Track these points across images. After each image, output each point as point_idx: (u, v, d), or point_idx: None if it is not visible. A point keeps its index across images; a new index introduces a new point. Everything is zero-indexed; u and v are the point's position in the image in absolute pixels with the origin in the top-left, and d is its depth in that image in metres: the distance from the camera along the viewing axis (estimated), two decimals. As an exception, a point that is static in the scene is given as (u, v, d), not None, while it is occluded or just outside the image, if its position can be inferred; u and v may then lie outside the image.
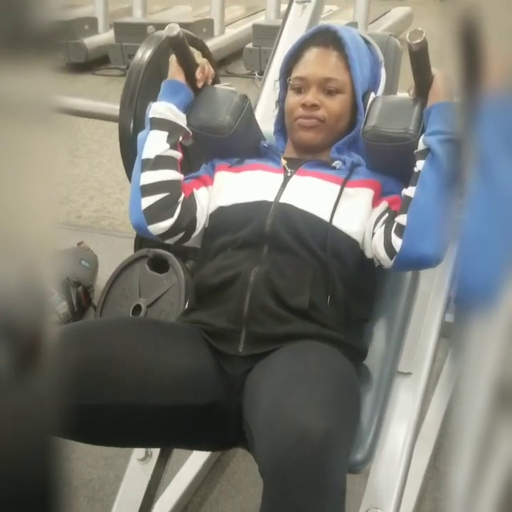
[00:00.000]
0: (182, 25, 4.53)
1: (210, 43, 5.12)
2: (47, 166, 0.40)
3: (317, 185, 1.26)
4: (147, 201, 1.26)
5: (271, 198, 1.25)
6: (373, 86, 1.37)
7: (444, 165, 1.12)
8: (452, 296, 1.40)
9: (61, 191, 3.13)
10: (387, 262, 1.18)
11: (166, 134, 1.28)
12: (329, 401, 0.95)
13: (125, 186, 3.29)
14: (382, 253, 1.18)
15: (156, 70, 1.58)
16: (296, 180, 1.28)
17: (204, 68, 1.35)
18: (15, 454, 0.40)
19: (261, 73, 1.92)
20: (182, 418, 1.10)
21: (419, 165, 1.15)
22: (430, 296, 1.39)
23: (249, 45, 4.93)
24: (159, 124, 1.29)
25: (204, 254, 1.30)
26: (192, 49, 1.34)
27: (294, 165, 1.31)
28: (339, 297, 1.18)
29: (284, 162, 1.32)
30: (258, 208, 1.24)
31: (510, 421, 0.41)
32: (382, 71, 1.39)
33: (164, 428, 1.11)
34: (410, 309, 1.36)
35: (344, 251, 1.21)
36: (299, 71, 1.33)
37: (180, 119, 1.31)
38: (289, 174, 1.29)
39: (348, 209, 1.22)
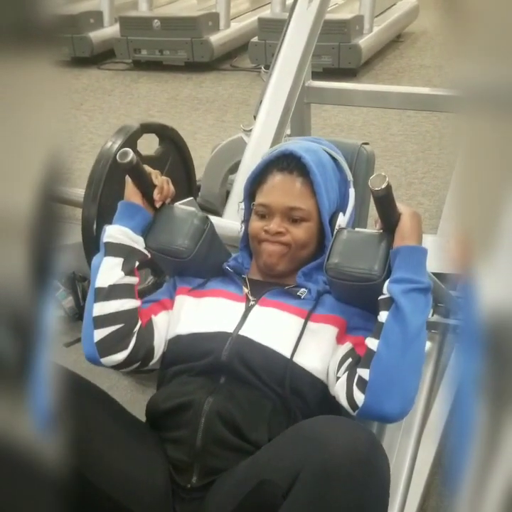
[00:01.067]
0: (187, 19, 4.55)
1: (216, 37, 5.13)
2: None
3: (279, 318, 1.22)
4: (100, 333, 1.20)
5: (230, 329, 1.20)
6: (341, 207, 1.33)
7: (408, 317, 1.06)
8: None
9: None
10: (350, 411, 1.13)
11: (121, 260, 1.23)
12: None
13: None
14: (344, 403, 1.13)
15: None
16: (257, 311, 1.23)
17: (162, 189, 1.29)
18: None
19: (267, 67, 1.92)
20: None
21: (383, 316, 1.09)
22: (400, 433, 1.37)
23: (255, 39, 4.92)
24: (114, 249, 1.24)
25: (160, 377, 1.27)
26: (148, 169, 1.29)
27: (257, 292, 1.27)
28: None
29: (246, 290, 1.28)
30: (215, 339, 1.20)
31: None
32: (351, 191, 1.35)
33: None
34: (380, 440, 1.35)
35: (305, 388, 1.16)
36: (263, 197, 1.29)
37: (137, 242, 1.26)
38: (251, 304, 1.25)
39: (312, 345, 1.18)
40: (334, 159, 1.35)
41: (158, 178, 1.30)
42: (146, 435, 1.18)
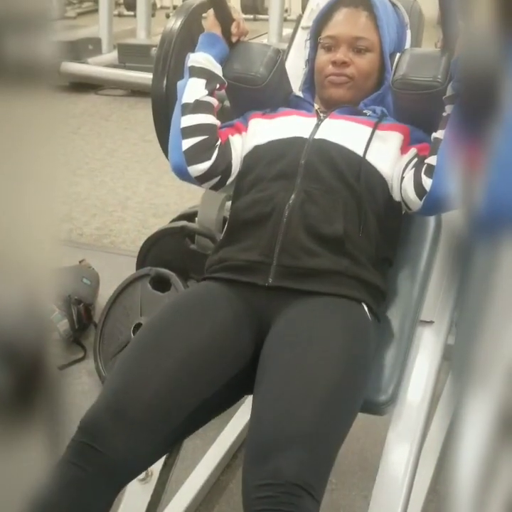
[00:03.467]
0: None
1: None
2: (47, 184, 0.40)
3: (350, 126, 1.31)
4: (187, 143, 1.31)
5: (306, 135, 1.29)
6: (399, 47, 1.42)
7: None
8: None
9: (62, 210, 3.14)
10: (416, 203, 1.21)
11: (203, 81, 1.34)
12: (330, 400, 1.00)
13: (127, 205, 3.30)
14: (411, 195, 1.21)
15: (188, 36, 1.62)
16: (329, 122, 1.33)
17: (239, 24, 1.41)
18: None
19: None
20: (221, 393, 1.11)
21: (448, 109, 1.18)
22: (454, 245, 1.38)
23: (252, 68, 4.98)
24: (198, 72, 1.35)
25: (238, 190, 1.35)
26: (230, 5, 1.40)
27: (326, 111, 1.37)
28: (370, 230, 1.22)
29: (316, 107, 1.39)
30: (293, 143, 1.29)
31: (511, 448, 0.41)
32: (408, 33, 1.45)
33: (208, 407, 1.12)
34: (433, 257, 1.38)
35: (376, 186, 1.25)
36: (330, 30, 1.39)
37: (217, 69, 1.37)
38: (322, 117, 1.34)
39: (380, 149, 1.27)
40: (393, 4, 1.46)
41: (236, 13, 1.43)
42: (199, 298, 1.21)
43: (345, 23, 1.38)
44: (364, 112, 1.36)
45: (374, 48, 1.37)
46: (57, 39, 0.38)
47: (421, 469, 1.35)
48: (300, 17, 1.84)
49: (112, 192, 3.48)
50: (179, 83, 1.38)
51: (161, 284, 1.96)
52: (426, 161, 1.21)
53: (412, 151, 1.28)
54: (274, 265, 1.18)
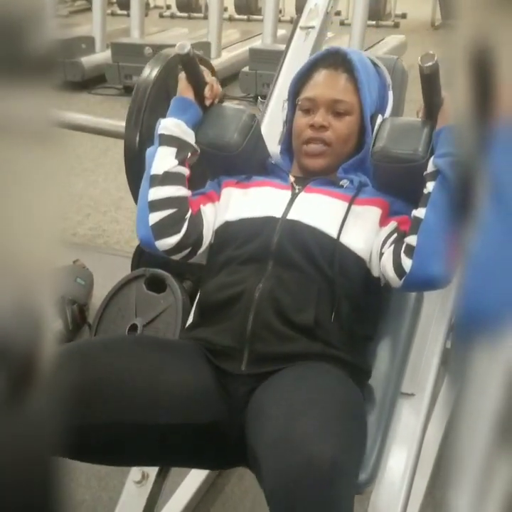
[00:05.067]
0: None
1: (207, 66, 5.19)
2: (47, 185, 0.40)
3: (325, 202, 1.26)
4: (155, 217, 1.26)
5: (278, 215, 1.25)
6: (381, 109, 1.38)
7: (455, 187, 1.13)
8: (454, 322, 1.40)
9: (62, 210, 3.12)
10: (395, 282, 1.18)
11: (174, 150, 1.29)
12: (336, 428, 0.95)
13: (120, 205, 3.29)
14: (391, 273, 1.17)
15: (163, 87, 1.60)
16: (303, 197, 1.28)
17: (213, 86, 1.35)
18: (14, 478, 0.39)
19: (257, 97, 1.94)
20: (182, 437, 1.09)
21: (429, 186, 1.15)
22: (434, 316, 1.39)
23: (246, 69, 4.98)
24: (168, 140, 1.29)
25: (209, 269, 1.30)
26: (201, 67, 1.35)
27: (302, 182, 1.32)
28: (344, 315, 1.18)
29: (291, 179, 1.33)
30: (265, 223, 1.24)
31: (509, 452, 0.41)
32: (390, 94, 1.41)
33: (164, 446, 1.10)
34: (414, 329, 1.36)
35: (351, 268, 1.21)
36: (308, 92, 1.34)
37: (189, 135, 1.32)
38: (296, 191, 1.29)
39: (356, 227, 1.22)
40: (375, 64, 1.42)
41: (209, 76, 1.37)
42: (184, 349, 1.19)
43: (324, 85, 1.33)
44: (341, 183, 1.30)
45: (354, 111, 1.32)
46: (54, 36, 0.38)
47: (417, 472, 1.36)
48: (298, 18, 1.84)
49: (105, 192, 3.47)
50: (148, 151, 1.32)
51: (156, 285, 1.95)
52: (406, 239, 1.16)
53: (392, 224, 1.23)
54: (247, 352, 1.14)
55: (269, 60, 4.51)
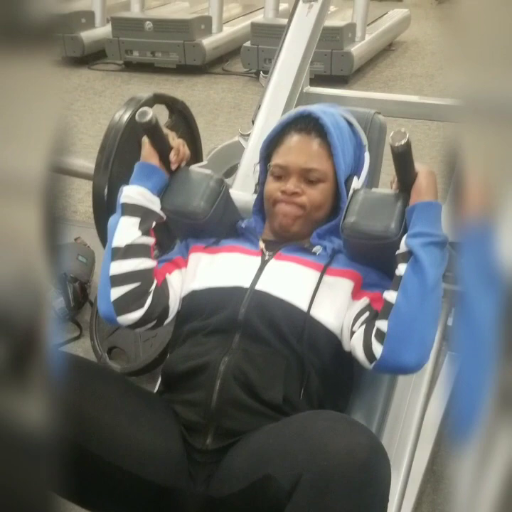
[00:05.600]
0: (179, 22, 4.55)
1: (208, 41, 5.13)
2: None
3: (296, 271, 1.21)
4: (116, 292, 1.20)
5: (246, 284, 1.20)
6: (356, 170, 1.33)
7: (427, 269, 1.07)
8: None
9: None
10: (366, 364, 1.13)
11: (137, 220, 1.23)
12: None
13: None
14: (361, 356, 1.13)
15: (134, 132, 1.54)
16: (273, 264, 1.23)
17: (178, 151, 1.29)
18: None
19: (265, 72, 1.91)
20: (140, 490, 1.07)
21: (401, 268, 1.10)
22: (410, 390, 1.36)
23: (247, 44, 4.92)
24: (131, 209, 1.23)
25: (174, 338, 1.26)
26: (166, 131, 1.29)
27: (273, 248, 1.26)
28: (313, 390, 1.15)
29: (262, 245, 1.28)
30: (232, 293, 1.19)
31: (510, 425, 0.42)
32: (366, 155, 1.34)
33: (119, 493, 1.08)
34: (389, 402, 1.33)
35: (321, 343, 1.16)
36: (280, 158, 1.28)
37: (154, 203, 1.26)
38: (266, 258, 1.24)
39: (327, 299, 1.18)
40: (350, 124, 1.35)
41: (174, 139, 1.30)
42: (158, 403, 1.17)
43: (296, 152, 1.26)
44: (313, 250, 1.24)
45: (327, 178, 1.26)
46: (54, 10, 0.37)
47: (418, 448, 1.37)
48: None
49: (106, 169, 3.45)
50: (111, 221, 1.25)
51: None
52: (377, 323, 1.11)
53: (364, 301, 1.17)
54: (213, 428, 1.10)
55: (272, 35, 4.45)
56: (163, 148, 1.27)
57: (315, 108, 1.32)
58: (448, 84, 4.67)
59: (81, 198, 3.13)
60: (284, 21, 1.90)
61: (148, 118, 1.20)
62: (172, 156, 1.28)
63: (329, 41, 4.54)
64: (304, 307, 1.16)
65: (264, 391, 1.10)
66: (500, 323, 0.41)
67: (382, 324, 1.10)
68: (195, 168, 1.35)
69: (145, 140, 1.28)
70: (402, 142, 1.07)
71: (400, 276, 1.10)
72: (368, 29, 5.10)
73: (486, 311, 0.42)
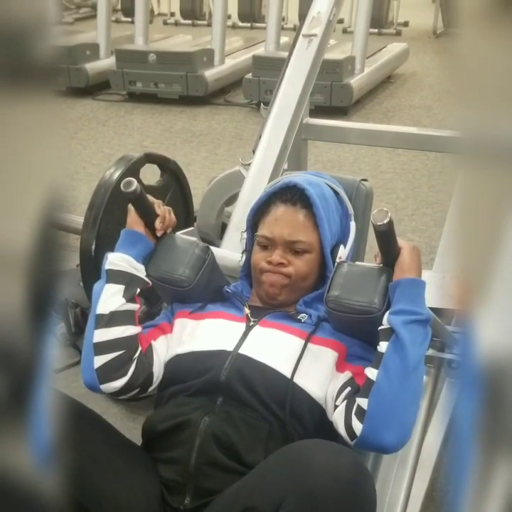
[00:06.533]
0: (182, 54, 4.61)
1: (210, 72, 5.22)
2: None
3: (280, 338, 1.22)
4: (100, 360, 1.20)
5: (230, 348, 1.21)
6: (342, 239, 1.36)
7: (408, 348, 1.07)
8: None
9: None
10: (347, 440, 1.12)
11: (122, 287, 1.24)
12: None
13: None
14: (342, 432, 1.13)
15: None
16: (258, 330, 1.24)
17: (164, 218, 1.31)
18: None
19: (265, 103, 1.96)
20: None
21: (383, 346, 1.10)
22: (397, 460, 1.35)
23: (249, 75, 5.01)
24: (115, 276, 1.25)
25: (157, 399, 1.27)
26: (151, 199, 1.31)
27: (258, 314, 1.28)
28: None
29: (247, 311, 1.29)
30: (215, 357, 1.20)
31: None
32: (352, 224, 1.37)
33: None
34: (376, 473, 1.32)
35: (304, 410, 1.16)
36: (265, 229, 1.30)
37: (138, 270, 1.27)
38: (251, 324, 1.26)
39: (311, 367, 1.18)
40: (336, 193, 1.37)
41: (160, 207, 1.32)
42: (140, 458, 1.18)
43: (281, 224, 1.28)
44: (299, 317, 1.26)
45: (313, 249, 1.29)
46: (57, 44, 0.38)
47: (417, 474, 1.37)
48: (301, 26, 1.87)
49: (108, 197, 3.49)
50: (95, 287, 1.26)
51: (155, 291, 1.96)
52: (357, 400, 1.10)
53: (347, 374, 1.17)
54: (191, 487, 1.10)
55: (272, 67, 4.53)
56: (148, 215, 1.30)
57: (300, 179, 1.34)
58: (446, 116, 4.75)
59: (83, 225, 3.16)
60: (285, 54, 1.96)
61: (132, 188, 1.23)
62: (157, 223, 1.30)
63: (329, 73, 4.62)
64: (288, 374, 1.16)
65: (245, 453, 1.10)
66: (478, 414, 0.42)
67: (362, 402, 1.09)
68: (180, 235, 1.37)
69: (131, 208, 1.30)
70: (385, 221, 1.08)
71: (382, 354, 1.10)
72: (367, 62, 5.20)
73: (466, 410, 0.44)
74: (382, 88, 5.55)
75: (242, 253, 1.41)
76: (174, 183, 1.84)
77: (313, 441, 1.01)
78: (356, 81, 4.88)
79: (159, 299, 1.46)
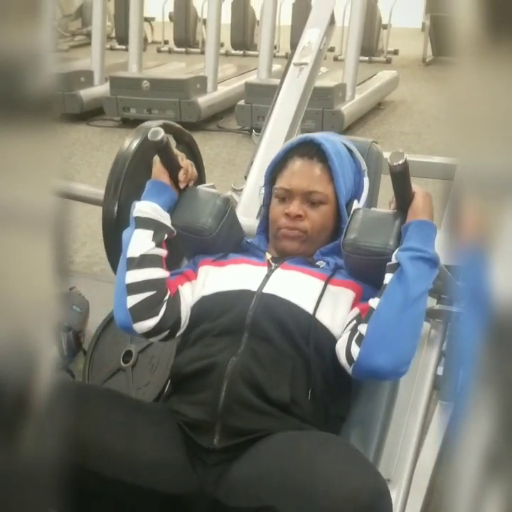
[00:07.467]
0: (176, 81, 4.62)
1: (203, 99, 5.29)
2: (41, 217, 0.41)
3: (301, 279, 1.27)
4: (133, 300, 1.25)
5: (254, 288, 1.25)
6: (356, 194, 1.40)
7: (411, 281, 1.12)
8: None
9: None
10: (347, 368, 1.17)
11: (150, 232, 1.29)
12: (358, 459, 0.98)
13: (117, 234, 3.32)
14: (343, 360, 1.17)
15: (143, 159, 1.59)
16: (279, 272, 1.28)
17: (187, 171, 1.36)
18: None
19: (257, 130, 1.99)
20: (150, 503, 1.08)
21: (388, 278, 1.15)
22: (411, 400, 1.38)
23: (241, 102, 5.08)
24: (144, 222, 1.30)
25: (183, 342, 1.30)
26: (176, 151, 1.36)
27: (278, 260, 1.33)
28: (319, 393, 1.18)
29: (268, 257, 1.35)
30: (240, 296, 1.24)
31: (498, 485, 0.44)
32: (365, 180, 1.41)
33: (130, 508, 1.09)
34: (389, 415, 1.34)
35: (325, 346, 1.20)
36: (284, 182, 1.35)
37: (165, 218, 1.32)
38: (273, 267, 1.30)
39: (331, 305, 1.22)
40: (350, 150, 1.42)
41: (184, 160, 1.38)
42: (155, 413, 1.18)
43: (299, 175, 1.34)
44: (317, 263, 1.31)
45: (328, 201, 1.33)
46: (54, 72, 0.38)
47: (410, 497, 1.37)
48: (292, 54, 1.91)
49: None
50: (125, 233, 1.32)
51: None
52: (359, 327, 1.16)
53: (355, 311, 1.22)
54: (219, 426, 1.12)
55: (265, 94, 4.60)
56: (173, 168, 1.35)
57: (317, 135, 1.40)
58: (436, 142, 4.81)
59: (77, 248, 3.18)
60: (277, 81, 1.99)
61: (160, 137, 1.28)
62: (181, 175, 1.36)
63: (320, 100, 4.68)
64: (310, 310, 1.21)
65: (271, 390, 1.13)
66: (480, 346, 0.42)
67: (362, 328, 1.15)
68: (202, 188, 1.43)
69: (156, 159, 1.35)
70: (400, 162, 1.12)
71: (386, 285, 1.15)
72: (357, 89, 5.28)
73: (470, 333, 0.44)
74: (372, 115, 5.63)
75: (260, 208, 1.47)
76: (189, 156, 1.86)
77: (342, 452, 0.99)
78: (347, 108, 4.96)
79: (178, 264, 1.48)
